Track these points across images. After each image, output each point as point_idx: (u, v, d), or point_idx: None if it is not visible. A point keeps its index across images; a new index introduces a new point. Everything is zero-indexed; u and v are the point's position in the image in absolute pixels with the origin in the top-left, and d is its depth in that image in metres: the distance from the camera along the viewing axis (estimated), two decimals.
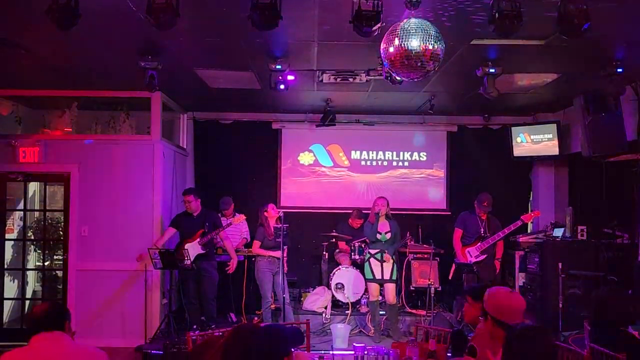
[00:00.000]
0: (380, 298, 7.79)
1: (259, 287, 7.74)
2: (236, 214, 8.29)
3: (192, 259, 7.23)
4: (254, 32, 4.51)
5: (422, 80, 4.80)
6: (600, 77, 6.11)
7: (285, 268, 7.67)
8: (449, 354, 4.62)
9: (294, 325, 5.02)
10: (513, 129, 8.96)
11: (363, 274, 8.42)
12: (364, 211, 8.87)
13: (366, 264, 7.70)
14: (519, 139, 8.88)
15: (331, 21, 4.98)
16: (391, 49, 4.18)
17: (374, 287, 7.68)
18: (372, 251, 7.67)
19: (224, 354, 2.89)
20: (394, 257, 7.68)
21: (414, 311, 8.27)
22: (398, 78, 5.04)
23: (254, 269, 7.79)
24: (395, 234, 7.73)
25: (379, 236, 7.62)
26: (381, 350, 4.17)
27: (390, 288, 7.63)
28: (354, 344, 4.56)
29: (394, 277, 7.66)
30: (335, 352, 5.27)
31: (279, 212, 7.65)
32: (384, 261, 7.58)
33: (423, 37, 4.04)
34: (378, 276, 7.60)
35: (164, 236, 7.66)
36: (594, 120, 7.02)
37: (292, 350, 2.97)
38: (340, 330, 7.30)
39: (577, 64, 6.31)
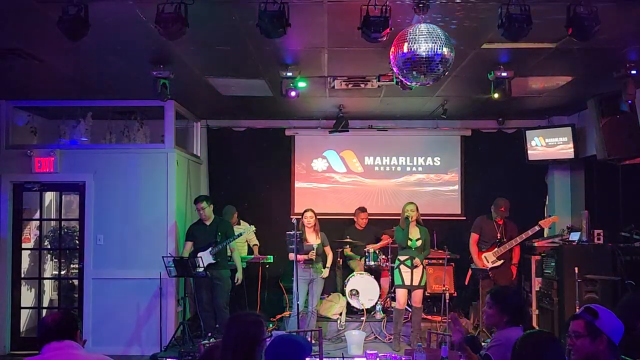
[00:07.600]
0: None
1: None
2: (241, 221, 8.27)
3: (204, 267, 7.24)
4: (264, 40, 4.52)
5: (433, 85, 4.79)
6: (614, 79, 6.04)
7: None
8: None
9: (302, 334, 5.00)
10: (528, 132, 8.86)
11: (378, 280, 8.40)
12: (384, 217, 8.88)
13: (396, 271, 7.53)
14: (533, 143, 8.78)
15: (340, 28, 4.97)
16: (400, 55, 4.17)
17: (401, 294, 7.49)
18: (402, 258, 7.49)
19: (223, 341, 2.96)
20: (423, 264, 7.57)
21: (429, 317, 8.20)
22: (408, 83, 5.03)
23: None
24: (425, 240, 7.57)
25: (409, 242, 7.47)
26: (394, 358, 4.14)
27: (419, 293, 7.50)
28: (367, 351, 4.55)
29: (423, 283, 7.53)
30: (346, 359, 5.25)
31: (310, 218, 7.71)
32: (415, 267, 7.40)
33: (432, 42, 4.03)
34: (407, 283, 7.43)
35: (183, 252, 7.69)
36: (608, 122, 6.95)
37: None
38: (355, 337, 7.26)
39: (590, 67, 6.24)
